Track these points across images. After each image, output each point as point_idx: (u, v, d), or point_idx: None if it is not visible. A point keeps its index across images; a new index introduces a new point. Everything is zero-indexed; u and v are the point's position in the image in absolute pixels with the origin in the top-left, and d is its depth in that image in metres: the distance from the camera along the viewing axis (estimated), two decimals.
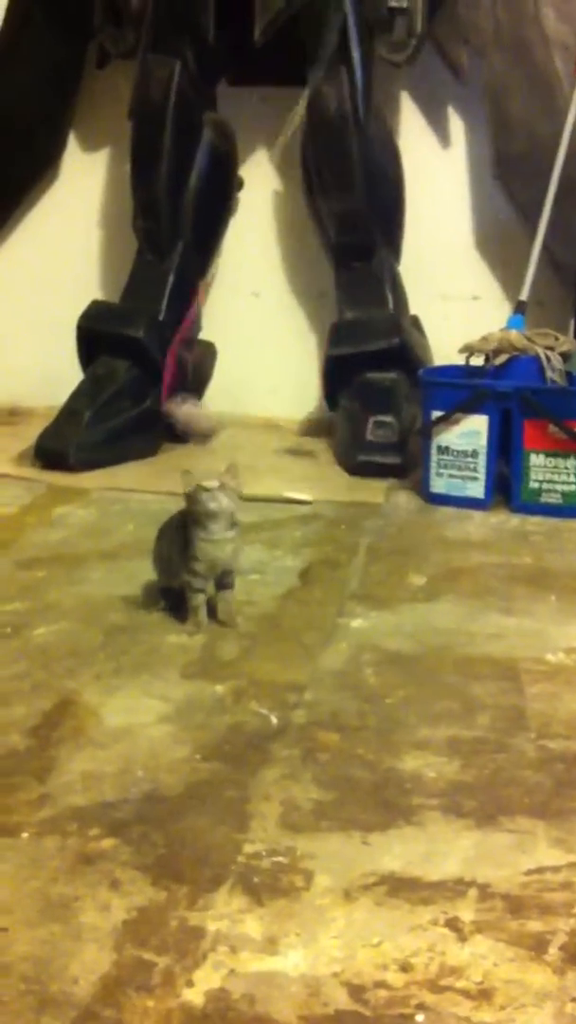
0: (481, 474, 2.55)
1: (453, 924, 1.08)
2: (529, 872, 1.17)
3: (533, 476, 2.52)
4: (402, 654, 1.74)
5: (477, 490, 2.55)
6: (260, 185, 3.31)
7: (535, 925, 1.08)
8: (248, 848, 1.21)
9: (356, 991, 0.99)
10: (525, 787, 1.34)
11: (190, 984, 0.99)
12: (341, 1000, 0.98)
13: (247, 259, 3.37)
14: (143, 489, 2.64)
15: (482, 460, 2.54)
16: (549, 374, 2.64)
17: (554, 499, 2.51)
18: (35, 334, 3.47)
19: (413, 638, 1.80)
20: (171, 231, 3.07)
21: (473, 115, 3.14)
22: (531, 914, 1.10)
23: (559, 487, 2.50)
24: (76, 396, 2.99)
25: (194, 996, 0.98)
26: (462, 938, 1.06)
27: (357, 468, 2.82)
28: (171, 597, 1.88)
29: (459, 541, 2.34)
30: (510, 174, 3.07)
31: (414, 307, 3.12)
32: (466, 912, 1.10)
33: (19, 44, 3.22)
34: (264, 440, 3.18)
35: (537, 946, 1.05)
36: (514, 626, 1.85)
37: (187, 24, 2.94)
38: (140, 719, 1.51)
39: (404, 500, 2.64)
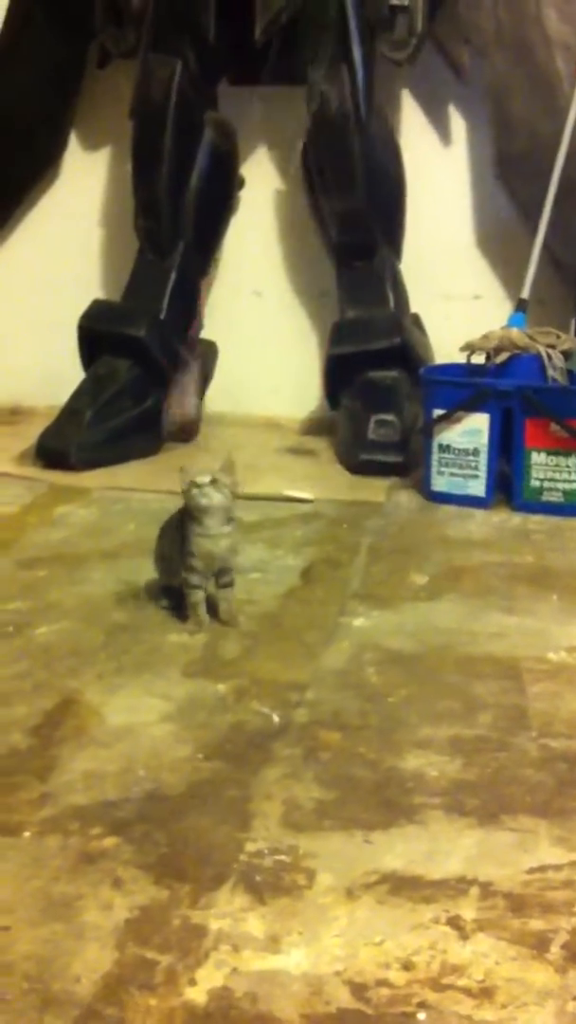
0: (482, 473, 2.54)
1: (455, 923, 1.08)
2: (531, 871, 1.17)
3: (534, 475, 2.52)
4: (404, 653, 1.74)
5: (478, 489, 2.55)
6: (261, 184, 3.31)
7: (537, 924, 1.08)
8: (250, 847, 1.21)
9: (358, 989, 0.99)
10: (527, 786, 1.34)
11: (192, 983, 1.00)
12: (343, 998, 0.98)
13: (248, 258, 3.37)
14: (144, 488, 2.64)
15: (483, 458, 2.54)
16: (550, 372, 2.64)
17: (555, 498, 2.51)
18: (36, 334, 3.47)
19: (415, 637, 1.80)
20: (172, 230, 3.06)
21: (474, 114, 3.14)
22: (533, 913, 1.10)
23: (560, 485, 2.50)
24: (77, 396, 2.99)
25: (196, 995, 0.98)
26: (464, 937, 1.06)
27: (358, 467, 2.82)
28: (172, 596, 1.88)
29: (460, 540, 2.34)
30: (511, 173, 3.08)
31: (415, 306, 3.12)
32: (468, 911, 1.10)
33: (20, 44, 3.22)
34: (266, 439, 3.18)
35: (539, 945, 1.05)
36: (516, 625, 1.85)
37: (188, 24, 2.94)
38: (142, 718, 1.51)
39: (405, 499, 2.64)
